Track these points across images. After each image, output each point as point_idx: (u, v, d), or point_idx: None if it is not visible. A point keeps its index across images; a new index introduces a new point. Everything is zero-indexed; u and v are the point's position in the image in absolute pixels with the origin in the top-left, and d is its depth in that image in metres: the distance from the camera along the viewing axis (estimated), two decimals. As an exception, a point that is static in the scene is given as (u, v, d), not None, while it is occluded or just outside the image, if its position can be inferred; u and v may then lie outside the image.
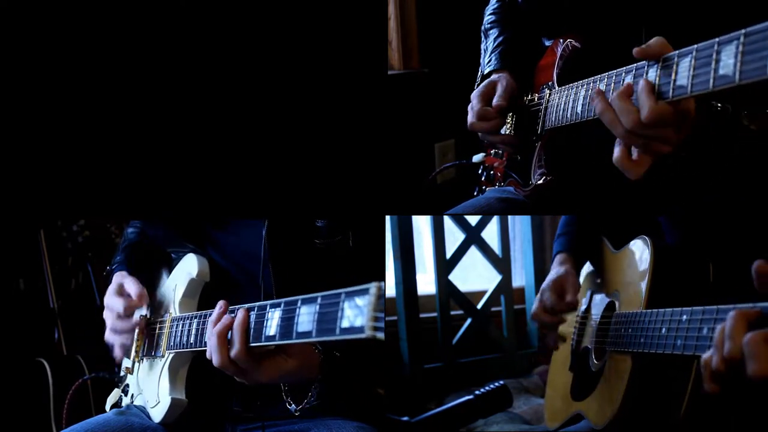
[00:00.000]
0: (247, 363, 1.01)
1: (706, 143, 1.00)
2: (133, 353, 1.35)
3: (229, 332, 1.02)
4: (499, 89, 1.37)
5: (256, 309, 1.01)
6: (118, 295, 1.32)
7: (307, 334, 0.89)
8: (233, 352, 1.01)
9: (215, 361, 1.03)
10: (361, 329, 0.80)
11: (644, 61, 0.96)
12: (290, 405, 1.09)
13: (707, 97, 0.90)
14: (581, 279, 1.40)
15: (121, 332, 1.34)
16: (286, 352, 1.03)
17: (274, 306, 0.97)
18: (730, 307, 0.77)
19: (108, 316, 1.35)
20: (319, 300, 0.88)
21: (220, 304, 1.05)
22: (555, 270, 1.35)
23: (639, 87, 0.94)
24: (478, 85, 1.46)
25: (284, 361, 1.03)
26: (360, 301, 0.81)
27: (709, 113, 0.99)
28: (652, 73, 0.94)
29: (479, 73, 1.49)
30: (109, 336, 1.36)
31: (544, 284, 1.33)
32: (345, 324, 0.83)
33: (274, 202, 1.51)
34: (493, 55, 1.46)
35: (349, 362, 1.10)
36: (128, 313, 1.31)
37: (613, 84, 1.04)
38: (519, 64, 1.42)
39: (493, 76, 1.41)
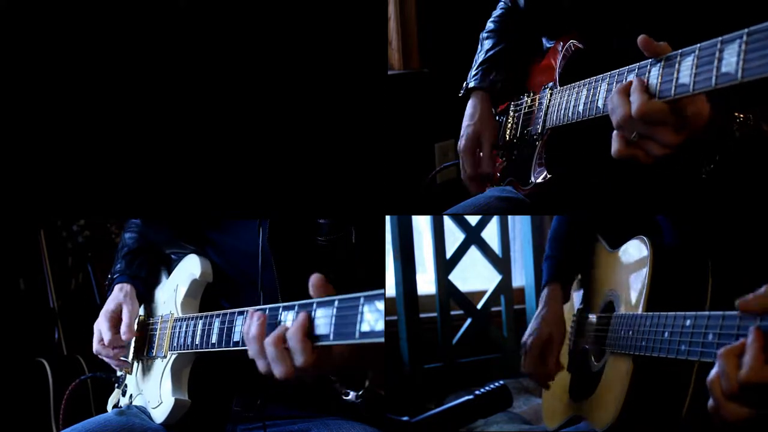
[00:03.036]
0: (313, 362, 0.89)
1: (731, 151, 1.01)
2: (131, 354, 1.35)
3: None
4: (486, 147, 1.45)
5: (268, 311, 0.98)
6: (111, 320, 1.33)
7: (325, 337, 0.86)
8: (300, 361, 0.88)
9: (280, 374, 0.90)
10: (381, 334, 0.79)
11: (647, 60, 0.96)
12: (347, 395, 1.00)
13: (713, 96, 0.91)
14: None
15: (106, 356, 1.36)
16: None
17: (287, 309, 0.94)
18: (735, 313, 0.76)
19: (97, 332, 1.36)
20: (336, 303, 0.86)
21: (258, 315, 0.95)
22: (543, 311, 1.34)
23: (633, 85, 0.95)
24: (463, 93, 1.53)
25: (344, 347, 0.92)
26: (380, 305, 0.80)
27: (731, 123, 0.99)
28: (655, 72, 0.94)
29: (465, 83, 1.53)
30: (97, 349, 1.37)
31: (533, 329, 1.34)
32: (365, 328, 0.81)
33: (274, 202, 1.51)
34: (479, 69, 1.51)
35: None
36: (113, 345, 1.33)
37: (615, 83, 1.05)
38: (500, 81, 1.49)
39: (471, 106, 1.49)
